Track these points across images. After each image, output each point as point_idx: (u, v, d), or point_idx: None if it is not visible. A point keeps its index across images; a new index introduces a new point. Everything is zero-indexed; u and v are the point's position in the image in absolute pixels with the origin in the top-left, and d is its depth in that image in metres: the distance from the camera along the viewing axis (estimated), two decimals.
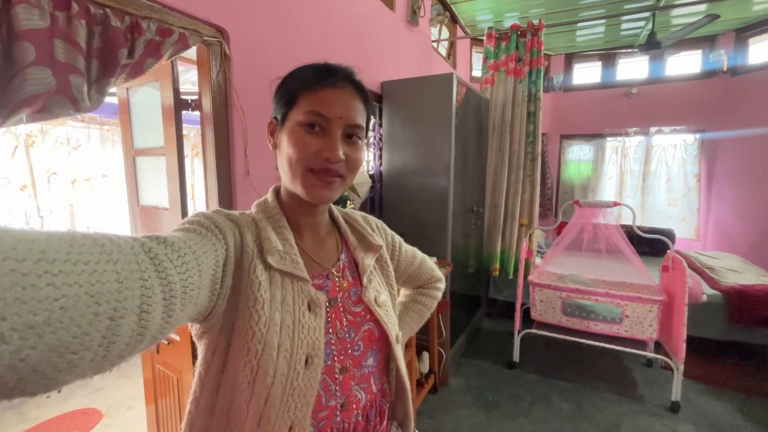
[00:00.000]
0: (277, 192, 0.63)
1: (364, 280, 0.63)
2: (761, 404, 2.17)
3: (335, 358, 0.57)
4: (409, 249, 0.82)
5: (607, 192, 4.87)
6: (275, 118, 0.59)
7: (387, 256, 0.71)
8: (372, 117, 0.63)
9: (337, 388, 0.57)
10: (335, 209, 0.70)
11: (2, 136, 2.31)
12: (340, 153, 0.54)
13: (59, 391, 2.22)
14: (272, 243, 0.54)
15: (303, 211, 0.61)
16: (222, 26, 1.32)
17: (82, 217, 2.72)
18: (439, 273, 0.89)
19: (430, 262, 0.88)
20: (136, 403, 2.22)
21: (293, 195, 0.59)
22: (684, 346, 2.04)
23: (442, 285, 0.90)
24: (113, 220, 2.84)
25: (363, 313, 0.62)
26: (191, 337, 0.56)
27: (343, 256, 0.65)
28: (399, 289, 0.83)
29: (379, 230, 0.74)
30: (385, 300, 0.65)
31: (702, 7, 3.45)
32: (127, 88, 1.53)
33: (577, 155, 5.00)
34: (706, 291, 2.69)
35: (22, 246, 0.26)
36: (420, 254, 0.85)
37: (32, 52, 0.83)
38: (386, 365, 0.67)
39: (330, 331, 0.57)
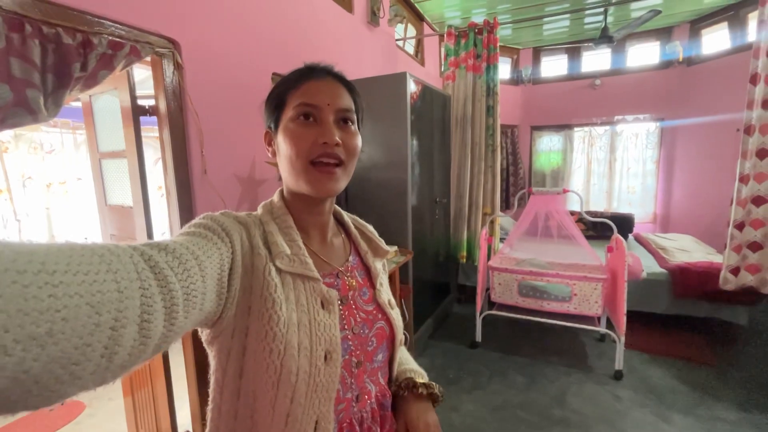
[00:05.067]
0: (282, 194, 0.63)
1: (377, 284, 0.66)
2: (696, 370, 2.37)
3: (352, 353, 0.59)
4: None
5: (576, 180, 5.07)
6: (269, 127, 0.61)
7: (386, 263, 0.75)
8: (361, 105, 0.65)
9: (353, 381, 0.59)
10: (345, 214, 0.71)
11: None
12: (336, 137, 0.55)
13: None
14: (279, 247, 0.54)
15: (309, 210, 0.61)
16: (173, 37, 1.44)
17: (59, 220, 2.80)
18: None
19: None
20: (117, 395, 2.34)
21: (298, 195, 0.59)
22: (624, 319, 2.22)
23: None
24: (88, 222, 2.92)
25: (375, 311, 0.64)
26: None
27: (351, 258, 0.66)
28: None
29: None
30: (395, 304, 0.69)
31: (657, 0, 3.62)
32: (90, 96, 1.64)
33: (548, 145, 5.18)
34: (656, 270, 2.89)
35: (22, 258, 0.26)
36: None
37: None
38: (389, 365, 0.69)
39: (346, 327, 0.59)
